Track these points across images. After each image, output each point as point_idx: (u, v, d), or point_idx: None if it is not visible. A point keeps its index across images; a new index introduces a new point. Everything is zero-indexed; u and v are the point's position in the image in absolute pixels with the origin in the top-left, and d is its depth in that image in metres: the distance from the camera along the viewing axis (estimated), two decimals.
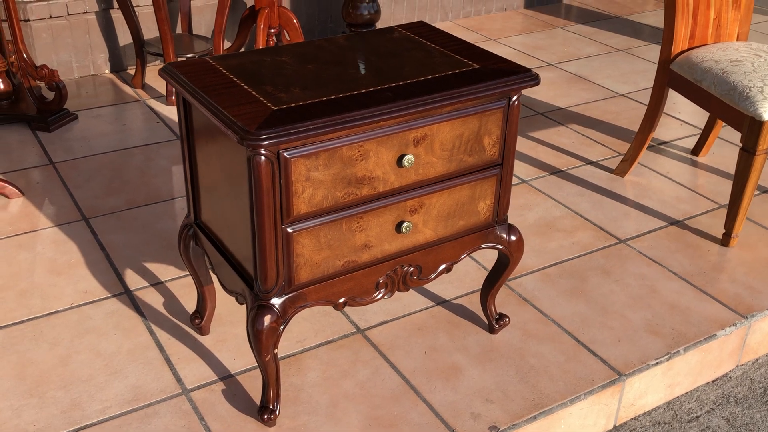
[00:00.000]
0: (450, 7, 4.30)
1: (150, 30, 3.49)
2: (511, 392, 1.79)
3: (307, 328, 1.97)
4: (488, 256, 2.25)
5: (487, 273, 2.16)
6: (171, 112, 3.17)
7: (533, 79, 1.64)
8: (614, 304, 2.08)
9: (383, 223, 1.61)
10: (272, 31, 3.47)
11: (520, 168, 2.75)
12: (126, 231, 2.35)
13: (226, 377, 1.82)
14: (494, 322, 1.96)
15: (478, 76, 1.62)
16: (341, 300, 1.65)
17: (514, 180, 2.68)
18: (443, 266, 1.76)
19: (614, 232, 2.40)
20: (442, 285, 2.13)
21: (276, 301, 1.55)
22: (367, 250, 1.62)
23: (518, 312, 2.04)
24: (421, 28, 1.90)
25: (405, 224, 1.62)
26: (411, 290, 2.12)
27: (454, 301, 2.08)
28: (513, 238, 1.83)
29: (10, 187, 2.51)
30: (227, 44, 3.65)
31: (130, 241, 2.29)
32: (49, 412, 1.71)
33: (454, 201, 1.69)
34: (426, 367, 1.86)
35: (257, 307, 1.55)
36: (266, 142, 1.37)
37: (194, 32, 3.58)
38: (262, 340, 1.55)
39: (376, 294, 1.69)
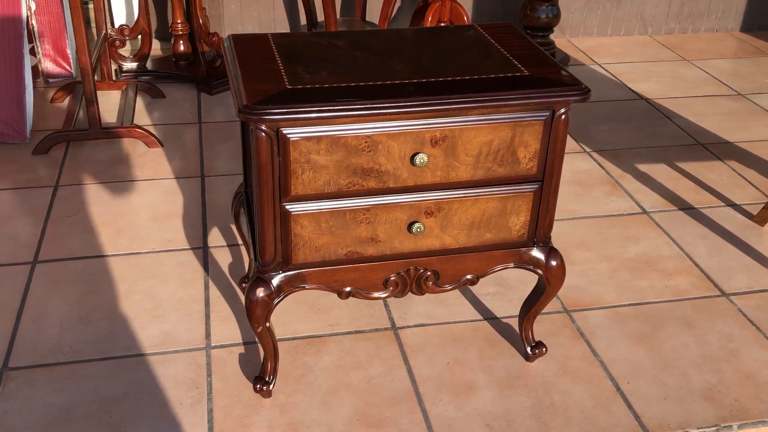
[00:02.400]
0: (651, 21, 4.02)
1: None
2: (516, 424, 1.67)
3: (343, 314, 1.97)
4: (565, 282, 2.10)
5: (559, 298, 2.04)
6: None
7: (580, 94, 1.51)
8: (680, 360, 1.86)
9: (393, 219, 1.57)
10: (442, 25, 3.46)
11: (648, 197, 2.53)
12: (229, 193, 2.49)
13: (249, 343, 1.87)
14: (529, 349, 1.84)
15: (520, 82, 1.52)
16: (346, 289, 1.63)
17: (633, 209, 2.46)
18: (467, 277, 1.68)
19: (721, 283, 2.13)
20: (497, 301, 2.03)
21: (272, 277, 1.58)
22: (374, 244, 1.58)
23: (567, 345, 1.89)
24: (503, 29, 1.81)
25: (416, 225, 1.57)
26: (463, 299, 2.04)
27: (504, 320, 1.97)
28: (553, 263, 1.70)
29: (151, 137, 2.75)
30: None
31: (228, 203, 2.43)
32: (86, 338, 1.87)
33: (480, 211, 1.60)
34: (442, 378, 1.79)
35: (255, 279, 1.58)
36: (259, 117, 1.39)
37: (368, 19, 3.67)
38: (253, 311, 1.58)
39: (384, 291, 1.65)
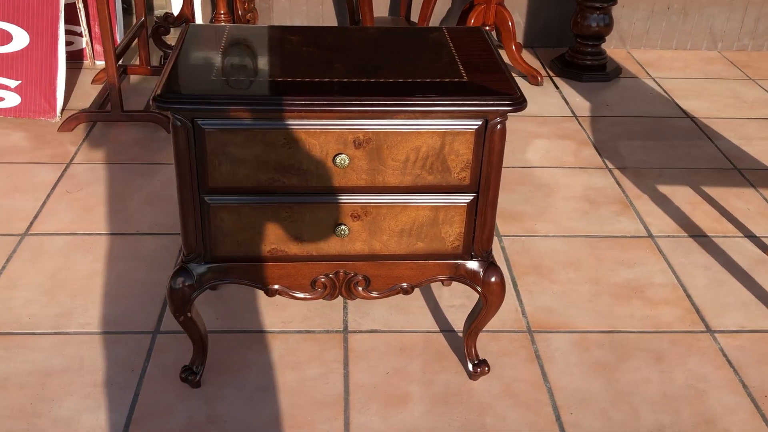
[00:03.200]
0: (722, 36, 3.78)
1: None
2: None
3: (299, 312, 1.95)
4: (539, 301, 2.01)
5: (525, 317, 1.95)
6: None
7: (512, 104, 1.43)
8: (635, 395, 1.74)
9: (318, 220, 1.53)
10: (486, 28, 3.38)
11: (659, 220, 2.38)
12: None
13: None
14: (471, 366, 1.76)
15: (452, 89, 1.46)
16: (273, 287, 1.61)
17: (639, 231, 2.32)
18: (400, 285, 1.63)
19: (709, 318, 1.98)
20: (460, 314, 1.95)
21: (194, 267, 1.58)
22: (299, 243, 1.56)
23: (518, 366, 1.80)
24: (470, 34, 1.74)
25: (340, 227, 1.53)
26: (425, 309, 1.98)
27: (461, 334, 1.90)
28: (491, 279, 1.62)
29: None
30: None
31: None
32: (47, 312, 1.93)
33: (410, 219, 1.55)
34: (376, 387, 1.74)
35: (177, 268, 1.58)
36: (169, 107, 1.39)
37: (412, 19, 3.63)
38: (172, 300, 1.59)
39: (312, 292, 1.62)
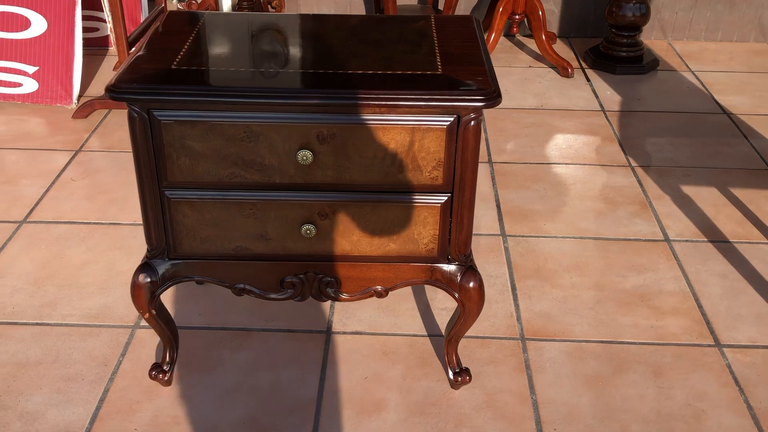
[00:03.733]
0: None
1: None
2: None
3: (283, 311, 1.88)
4: (537, 306, 1.91)
5: (520, 323, 1.85)
6: None
7: (485, 100, 1.33)
8: (627, 413, 1.62)
9: (284, 217, 1.46)
10: (516, 17, 3.25)
11: (678, 223, 2.24)
12: None
13: (181, 328, 1.83)
14: (452, 374, 1.67)
15: (423, 82, 1.37)
16: (239, 286, 1.55)
17: (655, 235, 2.19)
18: (374, 288, 1.55)
19: (720, 332, 1.85)
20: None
21: (157, 264, 1.52)
22: (264, 241, 1.49)
23: (504, 376, 1.71)
24: (459, 22, 1.64)
25: (306, 227, 1.46)
26: (415, 311, 1.89)
27: None
28: (468, 285, 1.52)
29: None
30: None
31: None
32: (31, 302, 1.91)
33: (381, 218, 1.46)
34: (351, 392, 1.67)
35: (141, 263, 1.53)
36: (120, 97, 1.33)
37: (439, 8, 3.52)
38: (135, 297, 1.54)
39: (282, 293, 1.55)
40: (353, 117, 1.36)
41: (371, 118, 1.36)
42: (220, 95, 1.33)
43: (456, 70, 1.42)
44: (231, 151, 1.40)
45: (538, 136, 2.73)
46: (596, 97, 3.04)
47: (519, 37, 3.59)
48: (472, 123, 1.37)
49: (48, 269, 2.02)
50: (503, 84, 3.11)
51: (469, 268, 1.53)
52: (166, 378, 1.67)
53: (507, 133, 2.74)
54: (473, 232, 1.99)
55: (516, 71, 3.24)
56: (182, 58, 1.43)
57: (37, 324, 1.85)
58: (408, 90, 1.34)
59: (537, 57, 3.36)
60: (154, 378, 1.66)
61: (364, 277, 1.54)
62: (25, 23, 2.82)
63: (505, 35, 3.59)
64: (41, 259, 2.06)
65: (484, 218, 2.26)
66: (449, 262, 1.52)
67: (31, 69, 2.84)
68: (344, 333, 1.83)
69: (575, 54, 3.45)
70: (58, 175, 2.44)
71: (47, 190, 2.36)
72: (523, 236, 2.19)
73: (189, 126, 1.38)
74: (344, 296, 1.55)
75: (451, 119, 1.37)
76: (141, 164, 1.42)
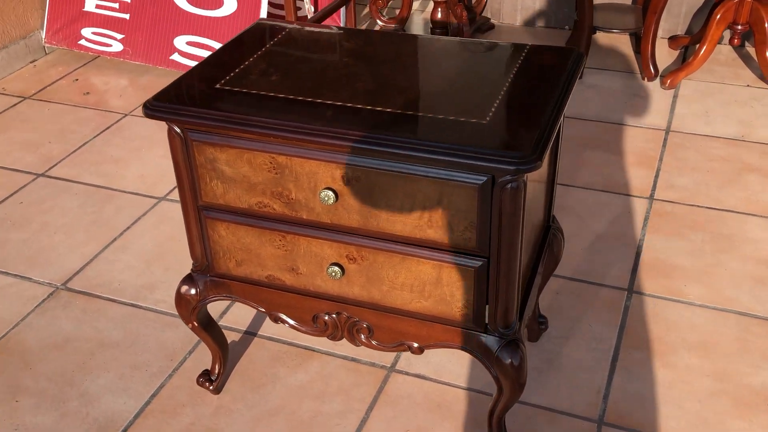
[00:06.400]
0: None
1: None
2: None
3: None
4: (633, 386, 1.64)
5: (605, 402, 1.62)
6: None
7: (518, 165, 1.13)
8: None
9: (313, 254, 1.37)
10: (738, 28, 2.80)
11: None
12: None
13: (254, 335, 1.82)
14: None
15: (461, 131, 1.19)
16: (279, 314, 1.49)
17: None
18: (409, 343, 1.41)
19: None
20: (537, 380, 1.66)
21: (199, 278, 1.51)
22: (295, 275, 1.41)
23: None
24: (557, 57, 1.41)
25: (332, 268, 1.35)
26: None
27: (523, 401, 1.61)
28: (507, 361, 1.33)
29: None
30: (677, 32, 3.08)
31: None
32: (135, 282, 2.00)
33: (411, 273, 1.32)
34: None
35: (187, 274, 1.53)
36: (152, 114, 1.31)
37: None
38: (178, 305, 1.54)
39: (315, 328, 1.47)
40: (377, 161, 1.23)
41: (397, 165, 1.22)
42: (240, 123, 1.26)
43: (508, 119, 1.22)
44: (259, 180, 1.33)
45: (723, 173, 2.34)
46: None
47: (749, 48, 3.10)
48: (509, 186, 1.18)
49: (164, 248, 2.11)
50: (705, 104, 2.71)
51: (511, 342, 1.34)
52: (212, 387, 1.67)
53: (685, 164, 2.38)
54: (595, 281, 1.77)
55: (728, 90, 2.80)
56: (232, 78, 1.38)
57: (132, 305, 1.93)
58: (433, 141, 1.18)
59: (762, 76, 2.88)
60: (200, 385, 1.67)
61: (397, 330, 1.41)
62: (218, 2, 2.95)
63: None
64: (162, 237, 2.16)
65: (616, 266, 1.98)
66: (487, 332, 1.34)
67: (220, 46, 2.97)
68: (406, 373, 1.71)
69: None
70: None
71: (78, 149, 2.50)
72: (652, 296, 1.89)
73: (219, 150, 1.33)
74: (376, 344, 1.43)
75: (484, 179, 1.18)
76: (181, 181, 1.40)
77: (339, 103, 1.29)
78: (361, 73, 1.39)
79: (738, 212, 2.17)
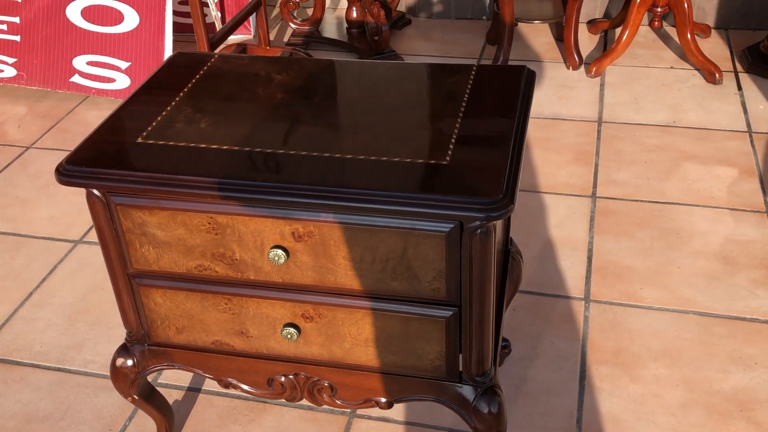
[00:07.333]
0: None
1: None
2: None
3: None
4: (605, 406, 1.58)
5: (579, 426, 1.55)
6: None
7: (486, 211, 1.03)
8: None
9: (264, 316, 1.24)
10: (658, 10, 2.78)
11: None
12: None
13: (197, 390, 1.68)
14: None
15: (421, 176, 1.08)
16: (228, 379, 1.35)
17: None
18: (376, 399, 1.30)
19: None
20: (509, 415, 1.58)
21: (135, 348, 1.36)
22: (245, 338, 1.28)
23: None
24: (507, 78, 1.32)
25: (287, 330, 1.23)
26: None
27: None
28: (484, 409, 1.24)
29: None
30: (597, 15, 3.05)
31: None
32: (60, 341, 1.82)
33: (375, 328, 1.21)
34: None
35: (120, 346, 1.37)
36: (67, 180, 1.15)
37: None
38: (115, 379, 1.39)
39: (271, 391, 1.34)
40: (332, 215, 1.11)
41: (354, 217, 1.11)
42: (171, 184, 1.12)
43: (469, 158, 1.12)
44: (197, 242, 1.19)
45: (661, 164, 2.31)
46: (744, 112, 2.54)
47: (667, 28, 3.10)
48: (479, 231, 1.08)
49: (88, 302, 1.93)
50: (633, 90, 2.68)
51: (488, 389, 1.25)
52: None
53: (623, 157, 2.34)
54: (551, 293, 1.70)
55: (653, 73, 2.79)
56: (154, 128, 1.23)
57: (58, 369, 1.76)
58: (394, 191, 1.06)
59: (683, 55, 2.88)
60: None
61: (363, 387, 1.30)
62: (118, 17, 2.74)
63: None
64: (85, 288, 1.98)
65: (569, 273, 1.92)
66: (462, 381, 1.25)
67: (123, 64, 2.76)
68: (369, 417, 1.61)
69: (731, 52, 2.92)
70: None
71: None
72: (610, 303, 1.84)
73: (148, 213, 1.18)
74: (340, 402, 1.32)
75: (451, 225, 1.08)
76: (106, 248, 1.24)
77: (281, 151, 1.16)
78: (299, 112, 1.27)
79: (681, 203, 2.14)
